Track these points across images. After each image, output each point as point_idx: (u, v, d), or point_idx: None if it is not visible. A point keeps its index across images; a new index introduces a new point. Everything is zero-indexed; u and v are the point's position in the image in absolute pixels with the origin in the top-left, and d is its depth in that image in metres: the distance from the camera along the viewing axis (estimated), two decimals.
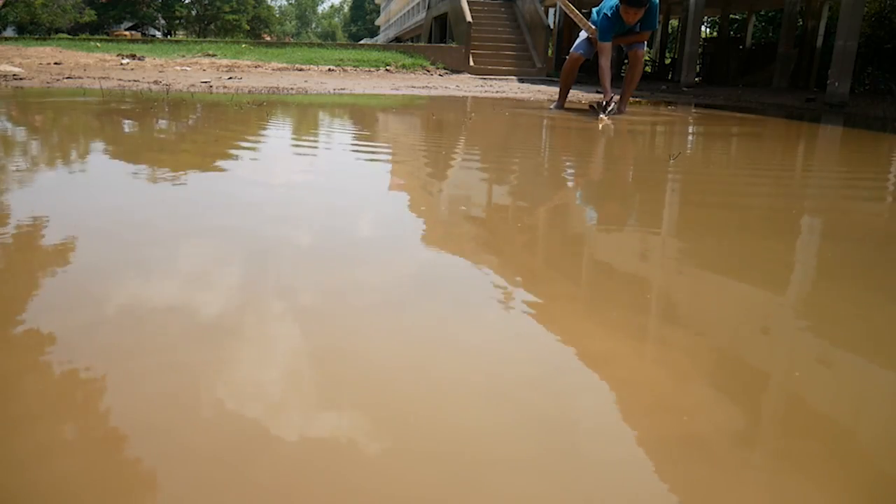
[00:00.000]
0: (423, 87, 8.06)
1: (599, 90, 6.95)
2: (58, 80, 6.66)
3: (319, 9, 79.73)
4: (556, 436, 0.71)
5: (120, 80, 6.88)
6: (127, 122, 3.66)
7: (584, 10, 5.58)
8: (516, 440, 0.70)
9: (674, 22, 18.15)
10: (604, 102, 4.57)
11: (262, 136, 3.27)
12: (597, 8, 4.75)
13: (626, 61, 5.00)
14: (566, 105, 5.34)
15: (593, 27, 4.72)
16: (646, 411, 0.77)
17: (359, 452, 0.66)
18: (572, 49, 5.05)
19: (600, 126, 3.98)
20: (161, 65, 9.57)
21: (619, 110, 4.90)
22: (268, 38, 35.29)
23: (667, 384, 0.83)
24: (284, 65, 10.42)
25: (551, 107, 5.36)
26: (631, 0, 4.35)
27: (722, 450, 0.69)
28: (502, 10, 13.98)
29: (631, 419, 0.75)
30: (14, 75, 7.00)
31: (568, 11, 5.21)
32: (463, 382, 0.81)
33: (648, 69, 16.46)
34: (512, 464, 0.66)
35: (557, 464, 0.66)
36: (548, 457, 0.67)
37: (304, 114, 4.64)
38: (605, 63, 4.69)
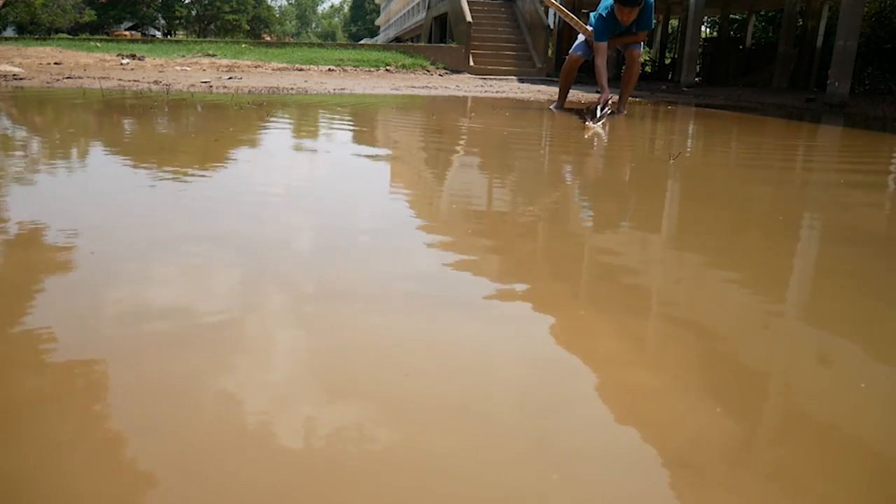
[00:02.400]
0: (423, 87, 8.06)
1: (599, 90, 6.98)
2: (58, 80, 6.66)
3: (319, 9, 79.75)
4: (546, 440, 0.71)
5: (120, 80, 6.88)
6: (126, 122, 3.66)
7: (584, 11, 5.60)
8: (505, 450, 0.70)
9: (674, 22, 18.15)
10: (597, 108, 4.23)
11: (263, 137, 3.27)
12: (594, 13, 4.78)
13: (624, 62, 5.00)
14: (566, 105, 5.34)
15: (589, 28, 4.76)
16: (639, 419, 0.77)
17: (357, 453, 0.66)
18: (571, 50, 5.07)
19: (586, 134, 3.58)
20: (161, 65, 9.57)
21: (619, 110, 4.98)
22: (268, 38, 35.26)
23: (660, 389, 0.83)
24: (284, 65, 10.42)
25: (551, 107, 5.36)
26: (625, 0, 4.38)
27: (714, 463, 0.69)
28: (502, 10, 13.98)
29: (624, 429, 0.75)
30: (14, 75, 7.01)
31: (561, 14, 5.28)
32: (455, 387, 0.81)
33: (648, 69, 16.46)
34: (499, 471, 0.66)
35: (548, 460, 0.66)
36: (537, 453, 0.67)
37: (305, 114, 4.64)
38: (602, 62, 4.74)
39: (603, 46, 4.70)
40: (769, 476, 0.65)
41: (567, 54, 5.16)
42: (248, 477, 0.62)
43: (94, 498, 0.59)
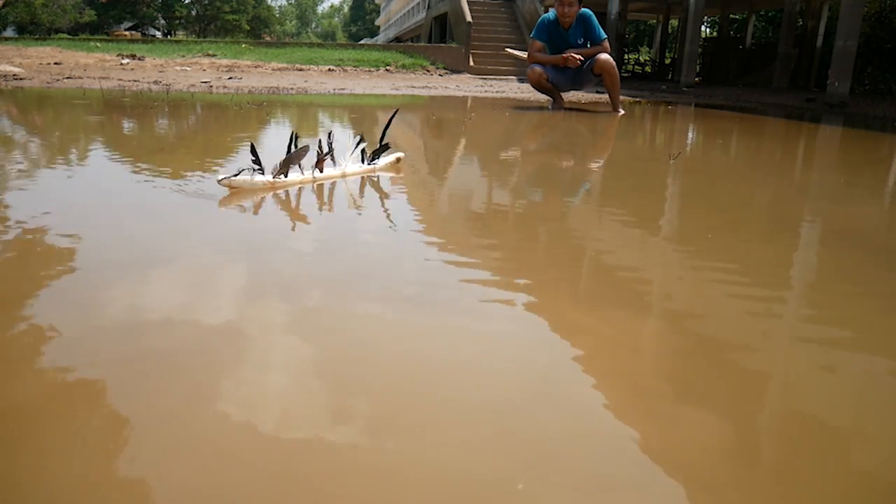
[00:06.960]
0: (423, 87, 8.07)
1: (599, 90, 6.99)
2: (58, 80, 6.66)
3: (319, 9, 79.79)
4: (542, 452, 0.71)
5: (120, 80, 6.88)
6: (126, 123, 3.66)
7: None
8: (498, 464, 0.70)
9: (674, 22, 18.16)
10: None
11: (262, 136, 3.27)
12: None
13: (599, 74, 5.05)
14: (565, 104, 5.35)
15: (524, 54, 5.28)
16: (633, 426, 0.76)
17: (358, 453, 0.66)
18: (532, 65, 5.26)
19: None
20: (161, 65, 9.57)
21: (615, 110, 5.11)
22: (268, 38, 35.29)
23: (657, 392, 0.83)
24: (284, 65, 10.43)
25: (550, 107, 5.37)
26: None
27: (710, 470, 0.69)
28: (502, 10, 13.99)
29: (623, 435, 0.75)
30: (14, 75, 7.01)
31: (514, 54, 5.93)
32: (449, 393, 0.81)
33: (648, 69, 16.45)
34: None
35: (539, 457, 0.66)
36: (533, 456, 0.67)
37: (305, 114, 4.64)
38: (538, 56, 5.11)
39: (538, 44, 5.10)
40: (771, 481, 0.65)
41: None
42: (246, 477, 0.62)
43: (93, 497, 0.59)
